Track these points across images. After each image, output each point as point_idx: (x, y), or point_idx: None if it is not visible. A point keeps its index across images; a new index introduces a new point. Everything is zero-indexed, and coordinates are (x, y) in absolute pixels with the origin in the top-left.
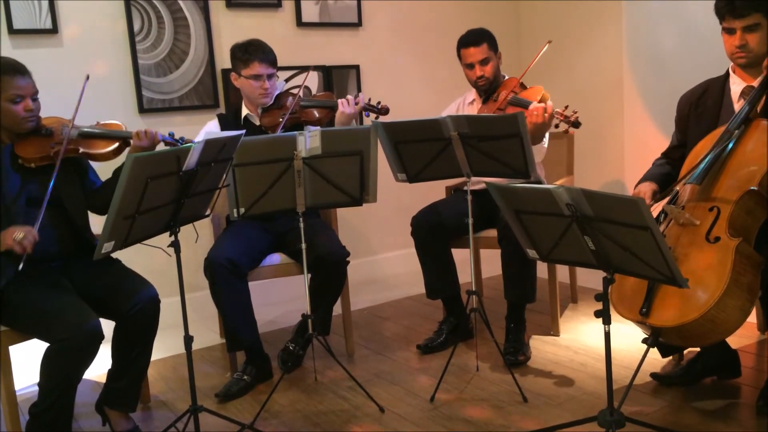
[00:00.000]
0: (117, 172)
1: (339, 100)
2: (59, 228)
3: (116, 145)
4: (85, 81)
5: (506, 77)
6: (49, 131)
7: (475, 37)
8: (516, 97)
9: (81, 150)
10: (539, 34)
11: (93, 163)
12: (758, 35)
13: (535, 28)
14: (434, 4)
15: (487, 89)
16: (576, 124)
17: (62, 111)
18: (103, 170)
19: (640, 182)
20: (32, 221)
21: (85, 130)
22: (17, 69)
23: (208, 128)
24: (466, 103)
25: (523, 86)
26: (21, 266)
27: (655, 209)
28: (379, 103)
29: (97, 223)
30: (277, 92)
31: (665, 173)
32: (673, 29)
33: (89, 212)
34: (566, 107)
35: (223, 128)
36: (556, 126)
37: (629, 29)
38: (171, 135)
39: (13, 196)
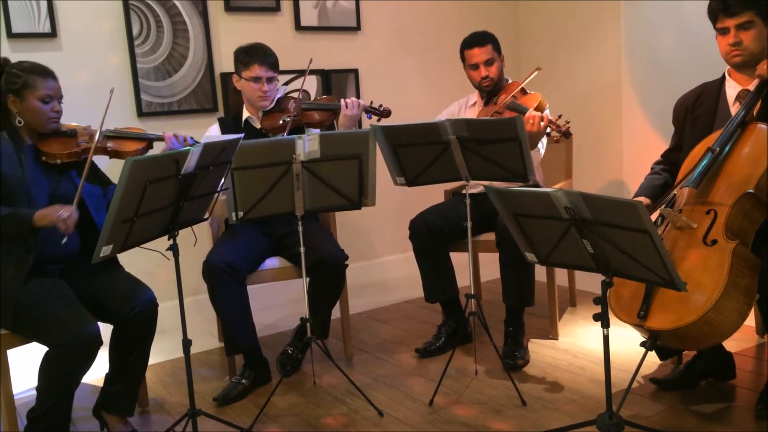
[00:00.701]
0: None
1: (342, 101)
2: (79, 226)
3: (143, 145)
4: (110, 94)
5: (509, 81)
6: (73, 131)
7: (480, 38)
8: (514, 102)
9: (110, 147)
10: (538, 36)
11: (115, 162)
12: (752, 33)
13: (534, 29)
14: (433, 7)
15: (490, 91)
16: (566, 134)
17: (62, 115)
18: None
19: (633, 197)
20: None
21: (113, 131)
22: (48, 72)
23: (209, 133)
24: (468, 105)
25: (523, 91)
26: (65, 240)
27: (653, 213)
28: (381, 105)
29: None
30: (278, 96)
31: (660, 185)
32: (671, 30)
33: None
34: (559, 116)
35: (223, 132)
36: (548, 134)
37: (628, 30)
38: (192, 138)
39: (43, 194)
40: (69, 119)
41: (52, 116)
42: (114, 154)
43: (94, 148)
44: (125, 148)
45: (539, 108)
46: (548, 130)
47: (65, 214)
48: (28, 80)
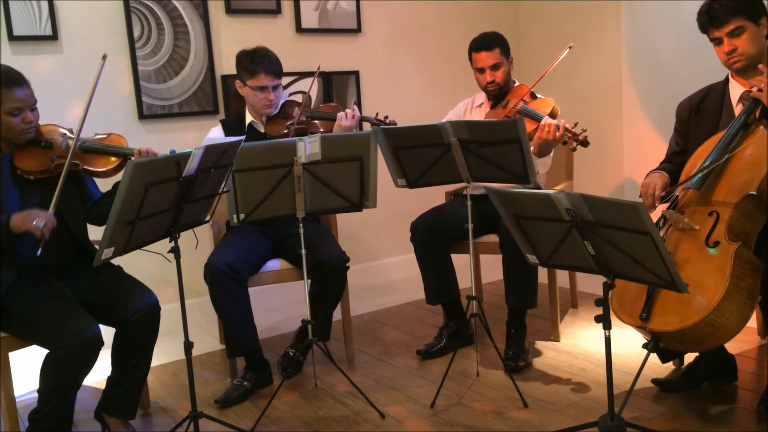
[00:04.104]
0: (117, 185)
1: (341, 112)
2: (58, 238)
3: (118, 162)
4: (102, 62)
5: (516, 83)
6: (49, 143)
7: (488, 42)
8: (526, 107)
9: (82, 165)
10: (538, 36)
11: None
12: (744, 37)
13: (535, 30)
14: (433, 8)
15: (497, 94)
16: (584, 143)
17: (63, 118)
18: (102, 184)
19: (651, 172)
20: (29, 233)
21: (87, 144)
22: (16, 80)
23: (212, 135)
24: (474, 105)
25: (533, 95)
26: (39, 251)
27: (655, 214)
28: (386, 117)
29: (97, 230)
30: (282, 101)
31: (675, 171)
32: (672, 30)
33: (88, 224)
34: (575, 124)
35: (227, 134)
36: (564, 143)
37: (628, 31)
38: (173, 152)
39: (16, 208)
40: (70, 122)
41: (24, 128)
42: (87, 172)
43: (67, 169)
44: (98, 167)
45: (552, 114)
46: (564, 138)
47: (41, 222)
48: None
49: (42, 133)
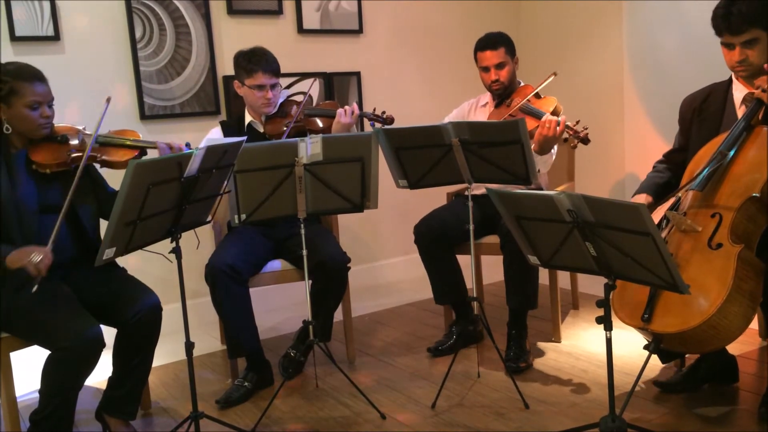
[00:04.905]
0: None
1: (340, 109)
2: (69, 235)
3: (136, 154)
4: (106, 104)
5: (521, 83)
6: (65, 138)
7: (493, 41)
8: (529, 105)
9: (100, 157)
10: (540, 36)
11: (108, 171)
12: (757, 49)
13: (536, 30)
14: (435, 9)
15: (501, 94)
16: (585, 141)
17: (64, 118)
18: (117, 178)
19: (635, 193)
20: (45, 229)
21: (106, 137)
22: (36, 75)
23: (211, 136)
24: (479, 105)
25: (537, 95)
26: (35, 288)
27: (657, 215)
28: (383, 112)
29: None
30: (280, 100)
31: (663, 183)
32: (673, 31)
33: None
34: (577, 122)
35: (226, 135)
36: (565, 140)
37: (629, 31)
38: (188, 145)
39: (33, 202)
40: (72, 122)
41: (42, 122)
42: (105, 163)
43: (85, 160)
44: (116, 158)
45: (555, 113)
46: (565, 135)
47: (37, 257)
48: (14, 86)
49: (56, 131)
